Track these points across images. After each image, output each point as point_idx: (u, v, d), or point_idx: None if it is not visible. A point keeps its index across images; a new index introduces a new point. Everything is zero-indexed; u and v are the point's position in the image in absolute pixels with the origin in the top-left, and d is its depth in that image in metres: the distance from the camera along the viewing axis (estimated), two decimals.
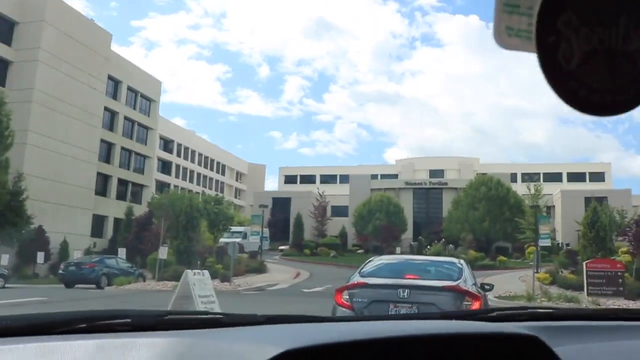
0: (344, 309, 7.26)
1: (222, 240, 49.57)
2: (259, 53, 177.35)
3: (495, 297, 23.05)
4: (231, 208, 55.81)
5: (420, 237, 54.15)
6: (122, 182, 58.79)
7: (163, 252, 31.29)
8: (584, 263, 23.09)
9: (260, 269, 34.24)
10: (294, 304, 19.79)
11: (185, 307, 10.86)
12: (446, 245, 49.05)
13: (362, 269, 8.43)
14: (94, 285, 26.13)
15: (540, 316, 1.89)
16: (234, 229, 51.46)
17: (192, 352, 1.21)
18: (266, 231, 59.45)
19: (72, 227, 45.58)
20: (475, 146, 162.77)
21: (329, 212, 62.21)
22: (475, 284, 8.21)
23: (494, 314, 1.83)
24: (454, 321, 1.65)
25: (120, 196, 57.05)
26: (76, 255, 34.86)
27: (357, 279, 7.79)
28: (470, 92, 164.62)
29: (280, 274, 33.86)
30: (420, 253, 46.29)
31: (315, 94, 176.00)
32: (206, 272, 12.01)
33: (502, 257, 43.44)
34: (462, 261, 9.11)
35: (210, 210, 42.67)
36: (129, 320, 1.52)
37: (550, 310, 2.00)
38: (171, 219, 36.35)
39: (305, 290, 25.15)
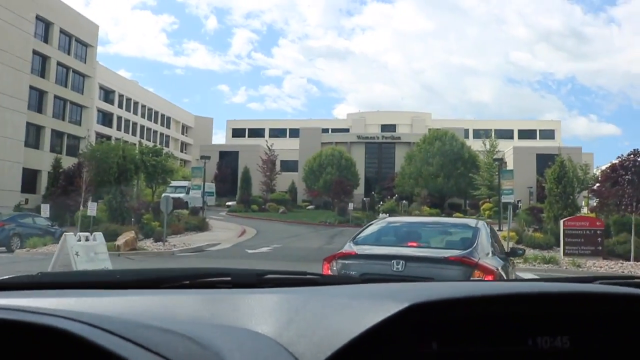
0: None
1: (164, 195, 45.64)
2: (206, 4, 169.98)
3: None
4: (171, 160, 51.38)
5: (372, 193, 51.36)
6: (58, 134, 53.84)
7: (92, 208, 27.37)
8: (562, 221, 20.39)
9: (202, 227, 30.54)
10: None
11: None
12: (399, 201, 46.43)
13: (358, 233, 7.09)
14: (4, 248, 22.07)
15: None
16: (174, 183, 47.36)
17: (307, 307, 1.21)
18: (212, 186, 55.86)
19: None
20: (424, 103, 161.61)
21: (278, 167, 58.88)
22: (494, 253, 6.65)
23: (597, 282, 1.62)
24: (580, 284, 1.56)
25: (55, 149, 52.12)
26: None
27: (347, 247, 6.65)
28: (419, 50, 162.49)
29: (224, 232, 30.36)
30: (372, 209, 43.68)
31: (264, 48, 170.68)
32: (99, 235, 8.57)
33: (458, 214, 41.01)
34: (481, 223, 7.15)
35: (147, 162, 38.39)
36: (230, 278, 1.59)
37: None
38: (102, 172, 32.27)
39: (250, 251, 21.84)
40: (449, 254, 6.06)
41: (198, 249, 23.12)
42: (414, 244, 6.58)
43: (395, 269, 5.84)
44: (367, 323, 1.05)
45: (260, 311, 1.20)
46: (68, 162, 44.44)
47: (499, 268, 6.24)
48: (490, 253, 6.43)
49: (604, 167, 42.50)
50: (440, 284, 1.59)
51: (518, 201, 48.85)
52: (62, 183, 34.41)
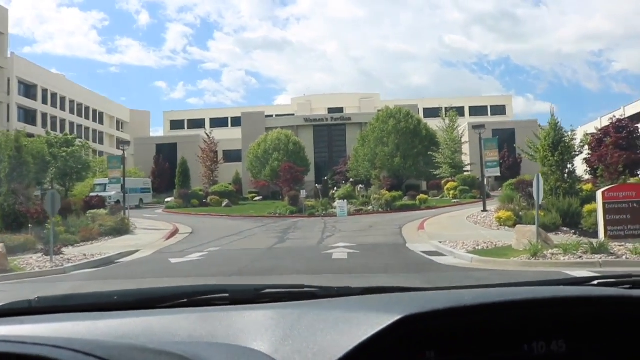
0: None
1: (92, 194, 38.22)
2: None
3: (469, 252, 14.13)
4: (84, 151, 43.33)
5: (325, 178, 45.05)
6: None
7: None
8: (600, 192, 14.41)
9: (121, 230, 23.38)
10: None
11: None
12: (355, 186, 40.30)
13: None
14: None
15: None
16: (100, 180, 39.73)
17: (302, 321, 1.19)
18: (148, 182, 48.64)
19: None
20: (365, 90, 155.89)
21: (220, 157, 51.83)
22: None
23: (595, 282, 1.61)
24: (563, 287, 1.51)
25: None
26: None
27: None
28: (356, 37, 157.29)
29: (149, 234, 23.42)
30: (326, 196, 37.49)
31: (199, 41, 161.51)
32: None
33: (422, 195, 35.17)
34: None
35: (57, 155, 30.81)
36: (227, 294, 1.52)
37: None
38: None
39: (174, 261, 15.19)
40: None
41: (105, 260, 16.29)
42: None
43: None
44: (361, 336, 1.04)
45: (256, 327, 1.17)
46: None
47: None
48: None
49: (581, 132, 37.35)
50: (438, 294, 1.53)
51: (478, 178, 43.66)
52: None
